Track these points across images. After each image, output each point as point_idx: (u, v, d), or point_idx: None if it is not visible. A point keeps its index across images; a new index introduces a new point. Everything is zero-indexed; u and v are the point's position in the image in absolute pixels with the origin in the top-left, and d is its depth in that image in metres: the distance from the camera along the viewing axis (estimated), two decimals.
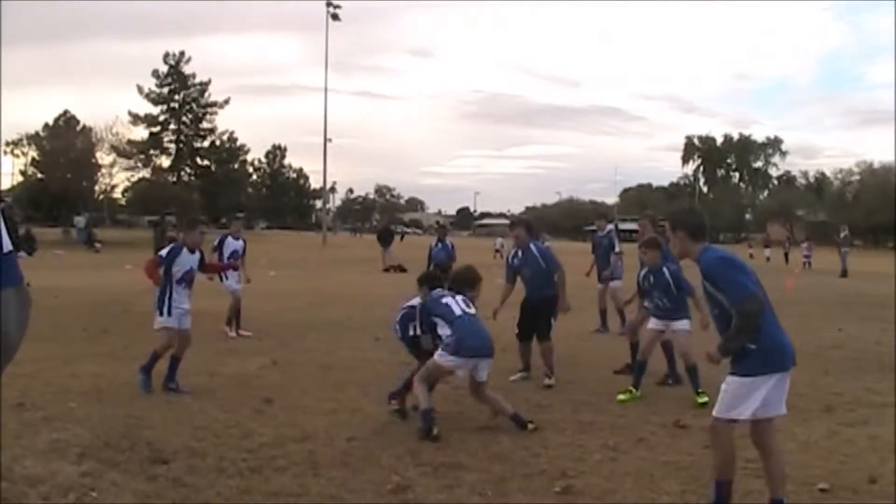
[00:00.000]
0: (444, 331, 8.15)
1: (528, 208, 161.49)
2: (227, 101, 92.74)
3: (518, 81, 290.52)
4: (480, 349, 8.05)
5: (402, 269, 34.15)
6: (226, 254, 14.79)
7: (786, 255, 59.95)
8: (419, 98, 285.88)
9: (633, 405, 9.20)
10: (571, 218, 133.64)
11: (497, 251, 53.36)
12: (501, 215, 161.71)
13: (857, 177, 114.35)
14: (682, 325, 9.84)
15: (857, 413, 8.82)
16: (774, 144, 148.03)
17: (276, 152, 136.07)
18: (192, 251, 9.78)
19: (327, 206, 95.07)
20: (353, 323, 16.42)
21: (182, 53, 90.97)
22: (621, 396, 9.46)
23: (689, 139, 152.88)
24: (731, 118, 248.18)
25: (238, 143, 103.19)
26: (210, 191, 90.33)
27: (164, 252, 9.75)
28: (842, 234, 44.02)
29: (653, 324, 9.99)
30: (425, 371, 8.17)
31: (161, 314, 9.51)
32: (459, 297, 8.39)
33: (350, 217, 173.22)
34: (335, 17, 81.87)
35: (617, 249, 15.96)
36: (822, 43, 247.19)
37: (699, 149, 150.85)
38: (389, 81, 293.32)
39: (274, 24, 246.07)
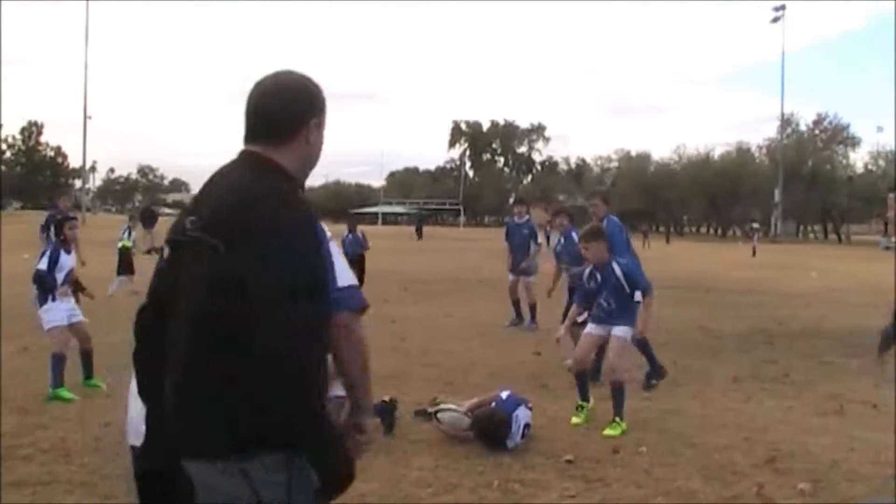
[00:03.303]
0: None
1: None
2: None
3: (278, 63, 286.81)
4: None
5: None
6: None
7: (547, 238, 62.09)
8: (181, 76, 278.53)
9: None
10: (337, 200, 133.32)
11: None
12: None
13: (616, 163, 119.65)
14: (622, 331, 7.98)
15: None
16: (538, 130, 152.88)
17: (33, 129, 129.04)
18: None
19: (87, 185, 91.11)
20: (115, 302, 15.89)
21: None
22: (575, 420, 7.95)
23: (455, 123, 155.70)
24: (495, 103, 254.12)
25: None
26: None
27: None
28: None
29: (591, 328, 8.22)
30: None
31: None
32: None
33: (111, 197, 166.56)
34: None
35: (539, 241, 15.11)
36: (578, 36, 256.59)
37: (465, 133, 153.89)
38: (150, 58, 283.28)
39: None
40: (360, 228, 21.38)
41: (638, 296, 7.94)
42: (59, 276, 8.93)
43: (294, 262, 2.34)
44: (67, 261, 9.15)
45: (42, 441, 6.83)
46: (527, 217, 15.45)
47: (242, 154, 2.63)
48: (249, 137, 2.64)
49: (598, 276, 8.10)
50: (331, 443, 2.46)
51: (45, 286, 8.89)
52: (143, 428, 2.74)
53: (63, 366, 8.73)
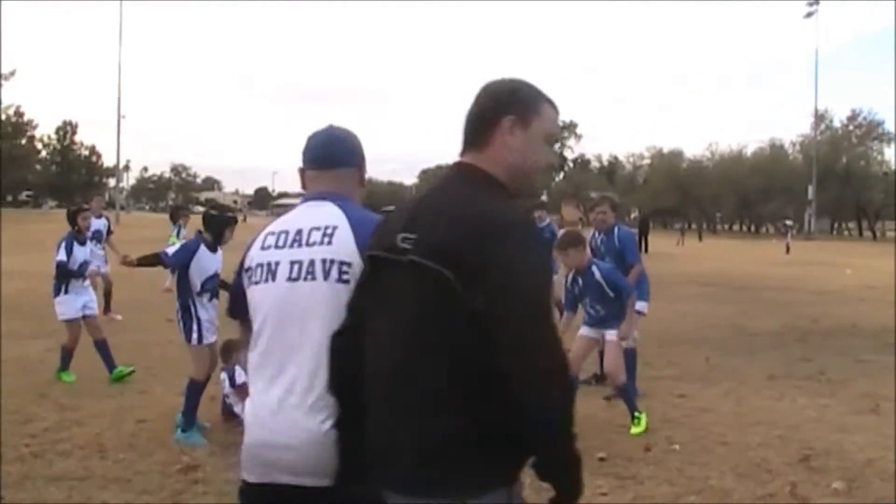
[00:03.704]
0: None
1: None
2: (12, 74, 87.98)
3: (313, 63, 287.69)
4: None
5: None
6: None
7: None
8: (215, 77, 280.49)
9: None
10: (370, 198, 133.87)
11: None
12: (300, 195, 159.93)
13: (648, 160, 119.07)
14: (615, 334, 7.84)
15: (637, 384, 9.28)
16: (570, 128, 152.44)
17: (67, 128, 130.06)
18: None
19: (120, 184, 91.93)
20: (142, 304, 16.01)
21: None
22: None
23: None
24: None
25: (25, 119, 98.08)
26: None
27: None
28: (632, 216, 46.02)
29: (584, 331, 8.04)
30: None
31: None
32: None
33: (144, 196, 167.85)
34: None
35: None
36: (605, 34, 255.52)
37: None
38: (185, 59, 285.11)
39: None
40: None
41: (631, 301, 7.84)
42: (77, 268, 9.20)
43: (536, 295, 2.19)
44: (81, 253, 9.45)
45: (78, 437, 6.92)
46: (547, 220, 15.42)
47: (456, 166, 2.47)
48: (463, 147, 2.48)
49: (581, 282, 7.89)
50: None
51: (67, 275, 9.27)
52: (258, 460, 2.67)
53: (71, 357, 9.34)
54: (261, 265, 2.81)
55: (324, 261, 2.70)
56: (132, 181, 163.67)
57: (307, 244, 2.76)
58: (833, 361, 11.12)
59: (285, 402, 2.64)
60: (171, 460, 6.34)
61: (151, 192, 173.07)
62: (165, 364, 9.63)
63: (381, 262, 2.37)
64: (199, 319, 7.27)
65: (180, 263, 7.27)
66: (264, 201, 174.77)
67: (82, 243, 9.56)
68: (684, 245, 47.49)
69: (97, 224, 13.97)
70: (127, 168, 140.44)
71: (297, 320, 2.68)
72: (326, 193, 2.88)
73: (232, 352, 7.42)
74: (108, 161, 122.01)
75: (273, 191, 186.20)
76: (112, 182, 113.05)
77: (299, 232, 2.80)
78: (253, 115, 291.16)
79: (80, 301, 9.34)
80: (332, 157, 2.97)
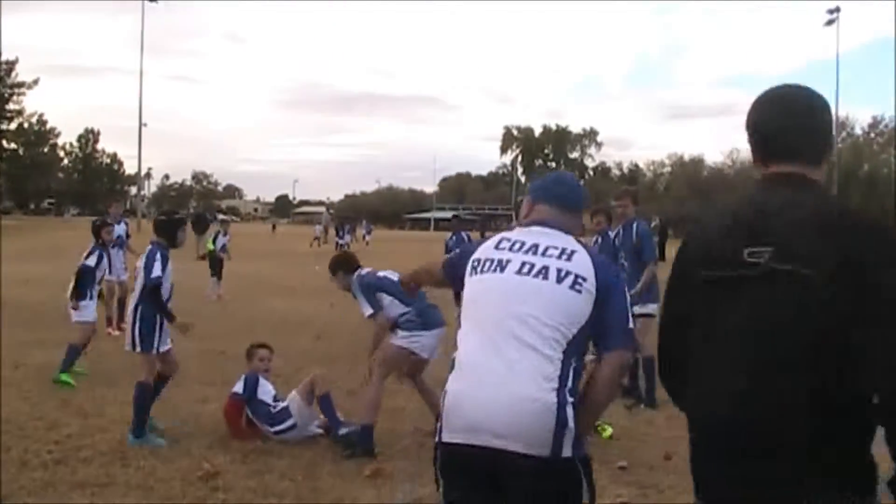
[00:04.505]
0: (397, 309, 7.17)
1: (347, 196, 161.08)
2: (35, 82, 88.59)
3: (333, 70, 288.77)
4: (441, 317, 7.37)
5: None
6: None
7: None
8: (235, 84, 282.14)
9: None
10: (391, 205, 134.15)
11: (316, 238, 52.81)
12: (320, 203, 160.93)
13: (669, 168, 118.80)
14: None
15: (657, 393, 9.20)
16: (590, 136, 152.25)
17: (89, 136, 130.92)
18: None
19: (142, 192, 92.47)
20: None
21: None
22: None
23: (507, 129, 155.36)
24: (547, 109, 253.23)
25: (48, 127, 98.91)
26: (16, 175, 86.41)
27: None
28: (652, 224, 45.89)
29: None
30: (384, 369, 7.20)
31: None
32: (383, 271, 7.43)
33: (166, 203, 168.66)
34: None
35: None
36: (633, 41, 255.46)
37: (518, 139, 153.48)
38: (204, 66, 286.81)
39: (83, 2, 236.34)
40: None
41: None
42: (98, 275, 9.50)
43: None
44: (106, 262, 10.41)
45: (101, 443, 6.96)
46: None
47: (800, 178, 2.39)
48: (784, 157, 2.42)
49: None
50: None
51: (88, 281, 9.93)
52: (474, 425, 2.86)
53: (77, 357, 9.64)
54: (490, 260, 3.12)
55: (559, 269, 3.00)
56: (153, 189, 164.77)
57: (543, 255, 3.06)
58: None
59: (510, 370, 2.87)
60: (192, 467, 6.36)
61: (173, 199, 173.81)
62: (184, 372, 9.63)
63: (731, 282, 2.29)
64: (162, 327, 7.32)
65: (160, 275, 7.26)
66: (285, 209, 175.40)
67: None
68: None
69: (118, 230, 13.92)
70: (148, 176, 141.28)
71: (520, 303, 2.96)
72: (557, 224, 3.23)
73: (254, 358, 7.56)
74: (129, 169, 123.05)
75: (294, 199, 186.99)
76: (134, 190, 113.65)
77: (535, 245, 3.10)
78: (274, 123, 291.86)
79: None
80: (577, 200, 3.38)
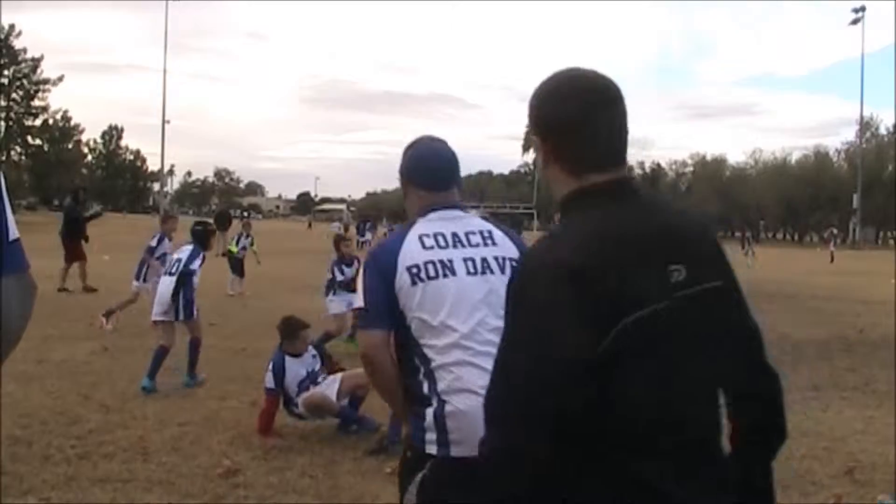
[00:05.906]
0: None
1: (368, 194, 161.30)
2: (60, 79, 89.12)
3: (355, 68, 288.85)
4: None
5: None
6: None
7: None
8: (257, 81, 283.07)
9: None
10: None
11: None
12: (342, 200, 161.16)
13: (691, 168, 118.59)
14: None
15: None
16: None
17: (113, 133, 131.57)
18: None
19: (165, 189, 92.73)
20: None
21: (12, 27, 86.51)
22: None
23: (528, 128, 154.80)
24: None
25: (72, 123, 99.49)
26: (41, 171, 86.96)
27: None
28: None
29: None
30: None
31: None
32: None
33: (188, 200, 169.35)
34: None
35: None
36: (655, 40, 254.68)
37: None
38: (226, 64, 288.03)
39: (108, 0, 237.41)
40: None
41: None
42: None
43: None
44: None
45: (122, 439, 6.99)
46: None
47: (636, 183, 2.12)
48: (617, 161, 2.11)
49: None
50: None
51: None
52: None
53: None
54: (431, 262, 2.93)
55: (496, 258, 2.96)
56: (176, 185, 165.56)
57: (471, 245, 3.00)
58: (880, 372, 10.94)
59: None
60: (213, 464, 6.38)
61: (195, 196, 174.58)
62: (208, 367, 9.68)
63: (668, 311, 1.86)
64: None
65: (196, 270, 9.48)
66: (307, 206, 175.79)
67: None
68: (755, 255, 46.05)
69: (166, 247, 13.28)
70: (171, 172, 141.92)
71: (486, 307, 2.85)
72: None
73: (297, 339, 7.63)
74: (152, 166, 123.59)
75: (315, 196, 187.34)
76: (157, 186, 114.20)
77: (456, 235, 3.01)
78: (296, 120, 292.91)
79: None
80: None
